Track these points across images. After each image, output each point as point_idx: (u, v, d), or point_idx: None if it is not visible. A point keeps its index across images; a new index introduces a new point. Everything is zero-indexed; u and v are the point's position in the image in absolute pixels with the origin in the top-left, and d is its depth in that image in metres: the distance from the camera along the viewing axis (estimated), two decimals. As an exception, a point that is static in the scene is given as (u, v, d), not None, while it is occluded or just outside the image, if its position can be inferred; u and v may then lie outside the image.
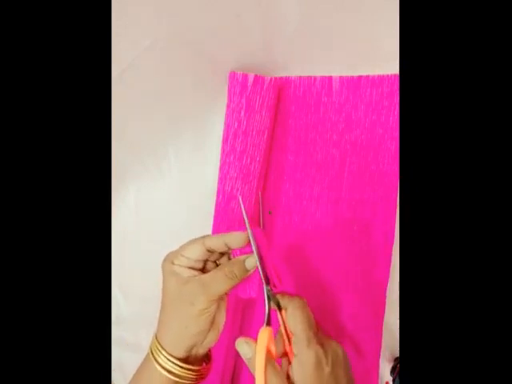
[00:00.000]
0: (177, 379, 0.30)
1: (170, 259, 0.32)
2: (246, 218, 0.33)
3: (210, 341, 0.33)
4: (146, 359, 0.33)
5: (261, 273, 0.32)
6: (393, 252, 0.42)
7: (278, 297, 0.32)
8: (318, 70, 0.40)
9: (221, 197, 0.40)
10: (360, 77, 0.39)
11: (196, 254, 0.32)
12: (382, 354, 0.46)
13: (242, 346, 0.31)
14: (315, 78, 0.40)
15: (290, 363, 0.31)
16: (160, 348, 0.31)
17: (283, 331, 0.31)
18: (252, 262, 0.32)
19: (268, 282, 0.32)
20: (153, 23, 0.36)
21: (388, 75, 0.38)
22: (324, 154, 0.42)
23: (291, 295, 0.32)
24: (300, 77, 0.40)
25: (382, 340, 0.45)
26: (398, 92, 0.38)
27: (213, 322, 0.32)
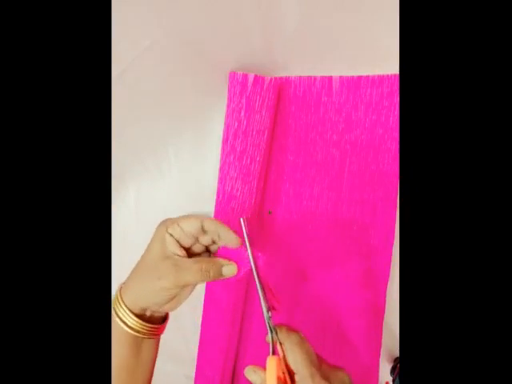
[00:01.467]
0: (131, 331, 0.31)
1: (165, 225, 0.32)
2: (247, 242, 0.32)
3: (168, 309, 0.33)
4: None
5: (262, 301, 0.32)
6: (393, 252, 0.43)
7: (277, 329, 0.32)
8: (318, 70, 0.40)
9: (221, 197, 0.40)
10: (360, 77, 0.39)
11: (191, 227, 0.31)
12: (381, 353, 0.46)
13: (251, 376, 0.31)
14: (315, 78, 0.40)
15: None
16: (120, 300, 0.32)
17: (283, 367, 0.30)
18: (229, 270, 0.32)
19: (268, 310, 0.32)
20: (153, 23, 0.36)
21: (388, 75, 0.38)
22: (324, 154, 0.42)
23: (288, 330, 0.32)
24: (300, 77, 0.40)
25: (382, 340, 0.45)
26: (397, 92, 0.38)
27: (173, 299, 0.32)
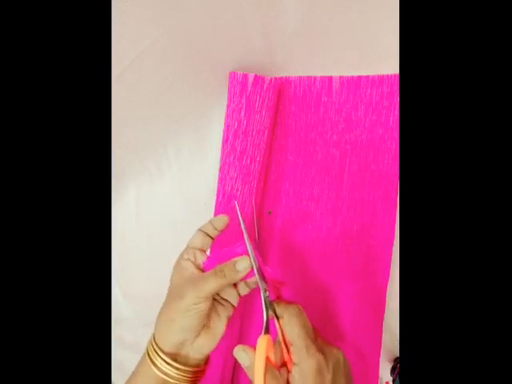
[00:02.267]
0: (164, 376, 0.30)
1: (180, 255, 0.35)
2: (242, 225, 0.33)
3: (203, 345, 0.32)
4: (142, 356, 0.33)
5: (257, 278, 0.32)
6: (393, 252, 0.43)
7: (275, 304, 0.32)
8: (318, 70, 0.40)
9: (221, 197, 0.40)
10: (360, 77, 0.39)
11: (197, 241, 0.34)
12: (381, 353, 0.46)
13: (240, 354, 0.31)
14: (315, 78, 0.40)
15: (289, 372, 0.30)
16: (153, 343, 0.31)
17: (281, 340, 0.30)
18: (243, 264, 0.32)
19: (266, 289, 0.33)
20: (153, 23, 0.36)
21: (388, 75, 0.38)
22: (324, 154, 0.42)
23: (287, 303, 0.32)
24: (300, 77, 0.40)
25: (382, 340, 0.45)
26: (397, 92, 0.38)
27: (204, 324, 0.32)
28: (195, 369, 0.31)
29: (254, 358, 0.29)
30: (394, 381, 0.48)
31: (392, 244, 0.42)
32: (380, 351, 0.46)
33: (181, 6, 0.35)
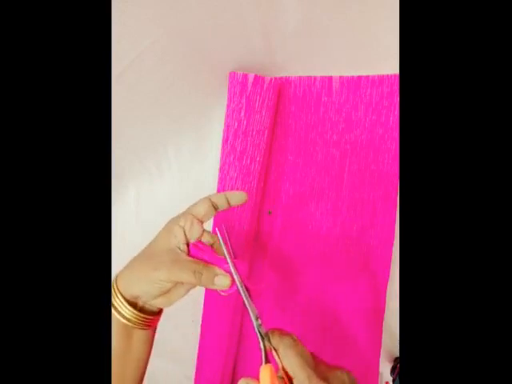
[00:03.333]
0: (121, 319, 0.31)
1: (177, 218, 0.33)
2: (225, 252, 0.32)
3: (159, 304, 0.33)
4: None
5: (249, 309, 0.31)
6: (393, 252, 0.43)
7: (269, 335, 0.31)
8: (318, 70, 0.40)
9: (221, 197, 0.40)
10: (360, 77, 0.39)
11: (202, 210, 0.33)
12: (381, 353, 0.46)
13: None
14: (315, 78, 0.40)
15: None
16: (115, 285, 0.32)
17: (282, 372, 0.29)
18: (221, 282, 0.31)
19: (257, 317, 0.31)
20: (153, 23, 0.36)
21: (388, 75, 0.38)
22: (324, 154, 0.42)
23: (281, 334, 0.31)
24: (300, 77, 0.40)
25: (382, 340, 0.45)
26: (397, 92, 0.38)
27: (165, 294, 0.32)
28: (149, 316, 0.32)
29: None
30: (393, 381, 0.48)
31: (392, 244, 0.42)
32: (380, 351, 0.46)
33: (181, 6, 0.35)
